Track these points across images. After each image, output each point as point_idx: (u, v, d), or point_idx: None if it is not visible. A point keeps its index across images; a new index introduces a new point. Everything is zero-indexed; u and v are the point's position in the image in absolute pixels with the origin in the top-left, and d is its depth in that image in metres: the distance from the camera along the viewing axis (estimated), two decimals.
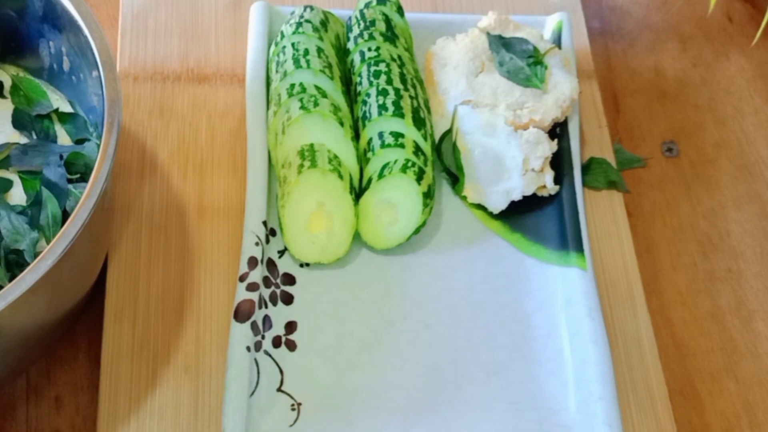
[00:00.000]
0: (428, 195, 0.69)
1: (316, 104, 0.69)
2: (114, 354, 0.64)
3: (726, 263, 0.77)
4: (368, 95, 0.72)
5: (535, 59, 0.74)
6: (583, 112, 0.79)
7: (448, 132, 0.73)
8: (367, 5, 0.77)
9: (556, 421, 0.64)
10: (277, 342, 0.66)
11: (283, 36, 0.75)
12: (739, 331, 0.74)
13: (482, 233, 0.72)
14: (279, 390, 0.64)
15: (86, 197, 0.55)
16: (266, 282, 0.67)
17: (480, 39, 0.76)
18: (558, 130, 0.75)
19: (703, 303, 0.75)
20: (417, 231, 0.70)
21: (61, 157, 0.66)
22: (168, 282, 0.67)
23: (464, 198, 0.73)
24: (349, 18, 0.77)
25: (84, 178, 0.65)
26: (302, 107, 0.69)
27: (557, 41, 0.79)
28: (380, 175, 0.68)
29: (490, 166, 0.72)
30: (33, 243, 0.60)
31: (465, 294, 0.69)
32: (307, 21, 0.74)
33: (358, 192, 0.70)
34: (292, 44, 0.73)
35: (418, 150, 0.69)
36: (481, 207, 0.73)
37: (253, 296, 0.65)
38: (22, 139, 0.68)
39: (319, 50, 0.73)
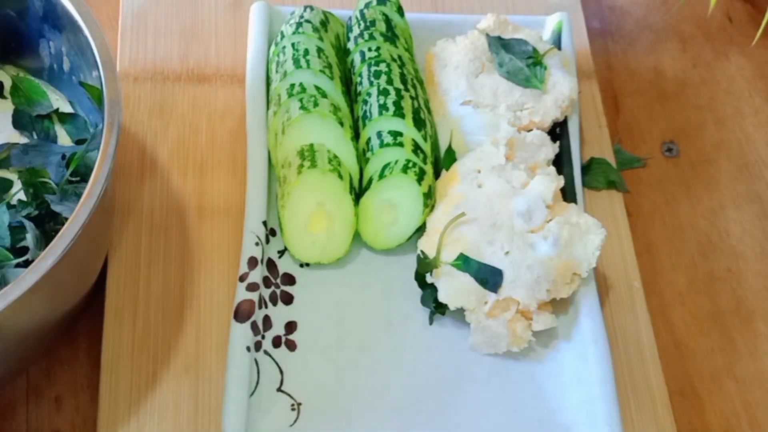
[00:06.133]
0: (429, 195, 0.69)
1: (316, 104, 0.69)
2: (114, 354, 0.64)
3: (726, 263, 0.77)
4: (369, 95, 0.72)
5: (535, 60, 0.74)
6: (583, 112, 0.79)
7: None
8: (367, 5, 0.77)
9: (556, 421, 0.64)
10: (277, 342, 0.66)
11: (283, 36, 0.75)
12: (739, 331, 0.74)
13: None
14: (279, 390, 0.64)
15: (86, 197, 0.55)
16: (266, 282, 0.67)
17: (480, 40, 0.76)
18: (558, 130, 0.75)
19: (703, 303, 0.75)
20: (417, 231, 0.70)
21: (63, 156, 0.66)
22: (168, 282, 0.67)
23: None
24: (349, 18, 0.77)
25: (84, 179, 0.65)
26: (302, 107, 0.69)
27: (557, 41, 0.79)
28: (381, 176, 0.68)
29: None
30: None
31: None
32: (307, 21, 0.74)
33: (358, 192, 0.70)
34: (292, 44, 0.73)
35: (417, 148, 0.69)
36: None
37: (253, 296, 0.65)
38: (22, 139, 0.68)
39: (319, 50, 0.73)
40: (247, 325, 0.64)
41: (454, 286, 0.66)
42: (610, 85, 0.86)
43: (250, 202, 0.68)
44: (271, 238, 0.69)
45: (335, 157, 0.68)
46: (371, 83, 0.72)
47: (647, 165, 0.81)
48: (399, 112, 0.70)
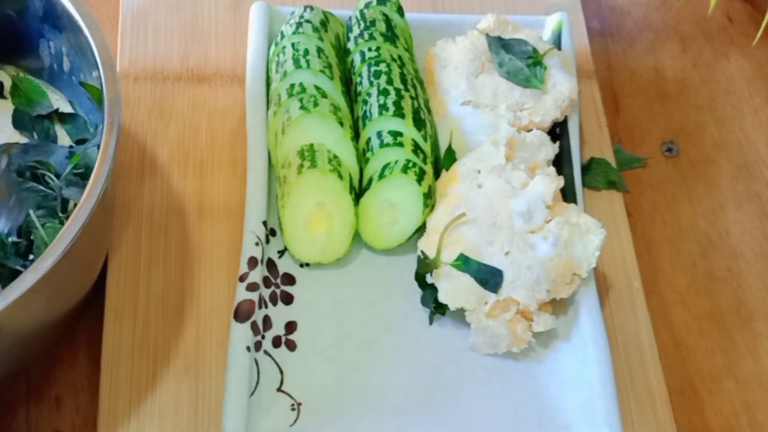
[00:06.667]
0: (429, 195, 0.69)
1: (316, 104, 0.69)
2: (114, 354, 0.64)
3: (726, 263, 0.77)
4: (369, 95, 0.72)
5: (534, 60, 0.74)
6: (582, 112, 0.79)
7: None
8: (367, 5, 0.77)
9: (556, 421, 0.64)
10: (277, 342, 0.66)
11: (283, 36, 0.75)
12: (739, 331, 0.74)
13: None
14: (279, 390, 0.64)
15: (86, 197, 0.55)
16: (266, 282, 0.67)
17: (480, 40, 0.76)
18: (558, 130, 0.75)
19: (703, 303, 0.75)
20: (417, 231, 0.70)
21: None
22: (168, 282, 0.67)
23: None
24: (349, 18, 0.77)
25: (84, 178, 0.65)
26: (302, 107, 0.69)
27: (557, 41, 0.79)
28: (381, 176, 0.68)
29: None
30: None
31: None
32: (307, 21, 0.75)
33: (358, 192, 0.70)
34: (292, 44, 0.73)
35: (417, 148, 0.69)
36: None
37: (253, 296, 0.65)
38: (23, 139, 0.68)
39: (319, 50, 0.73)
40: (247, 325, 0.64)
41: (454, 287, 0.66)
42: (610, 85, 0.86)
43: (250, 202, 0.68)
44: (271, 238, 0.69)
45: (335, 157, 0.68)
46: (371, 83, 0.72)
47: (647, 165, 0.81)
48: (399, 112, 0.70)
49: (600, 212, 0.74)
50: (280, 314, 0.67)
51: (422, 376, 0.66)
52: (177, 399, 0.63)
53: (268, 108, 0.73)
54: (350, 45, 0.76)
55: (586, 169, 0.75)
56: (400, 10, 0.77)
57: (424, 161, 0.69)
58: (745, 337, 0.74)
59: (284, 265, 0.69)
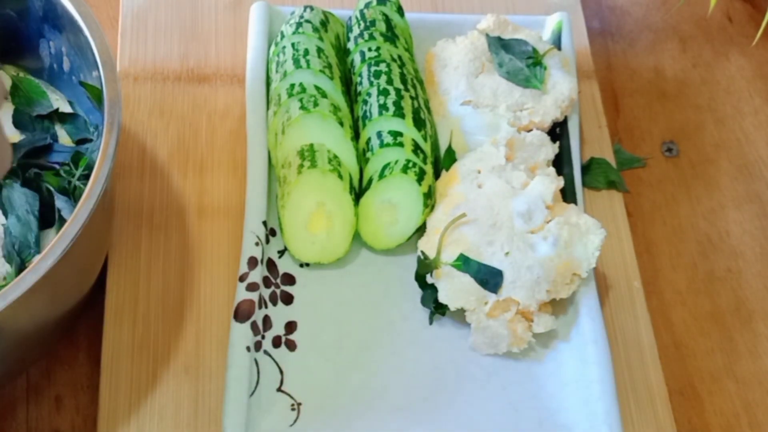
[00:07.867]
0: (429, 195, 0.69)
1: (316, 104, 0.69)
2: (114, 354, 0.64)
3: (726, 263, 0.77)
4: (369, 95, 0.72)
5: (534, 60, 0.74)
6: (582, 112, 0.79)
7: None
8: (367, 5, 0.77)
9: (556, 421, 0.64)
10: (277, 342, 0.66)
11: (283, 36, 0.75)
12: (739, 331, 0.74)
13: None
14: (279, 390, 0.64)
15: (86, 197, 0.55)
16: (266, 282, 0.67)
17: (480, 40, 0.76)
18: (558, 130, 0.75)
19: (703, 303, 0.75)
20: (417, 231, 0.70)
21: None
22: (168, 282, 0.67)
23: None
24: (349, 18, 0.77)
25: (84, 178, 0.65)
26: (302, 107, 0.69)
27: (557, 41, 0.79)
28: (381, 176, 0.68)
29: None
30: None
31: None
32: (307, 21, 0.75)
33: (358, 192, 0.70)
34: (292, 44, 0.73)
35: (417, 148, 0.69)
36: None
37: (253, 296, 0.65)
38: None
39: (319, 50, 0.73)
40: (247, 325, 0.64)
41: (454, 287, 0.66)
42: (610, 85, 0.86)
43: (250, 202, 0.68)
44: (271, 238, 0.69)
45: (335, 157, 0.68)
46: (371, 83, 0.72)
47: (647, 165, 0.81)
48: (399, 112, 0.70)
49: (600, 212, 0.74)
50: (280, 314, 0.67)
51: (422, 375, 0.66)
52: (177, 399, 0.63)
53: (268, 108, 0.73)
54: (350, 45, 0.76)
55: (586, 169, 0.75)
56: (400, 10, 0.77)
57: (424, 161, 0.69)
58: (745, 337, 0.74)
59: (284, 265, 0.69)
